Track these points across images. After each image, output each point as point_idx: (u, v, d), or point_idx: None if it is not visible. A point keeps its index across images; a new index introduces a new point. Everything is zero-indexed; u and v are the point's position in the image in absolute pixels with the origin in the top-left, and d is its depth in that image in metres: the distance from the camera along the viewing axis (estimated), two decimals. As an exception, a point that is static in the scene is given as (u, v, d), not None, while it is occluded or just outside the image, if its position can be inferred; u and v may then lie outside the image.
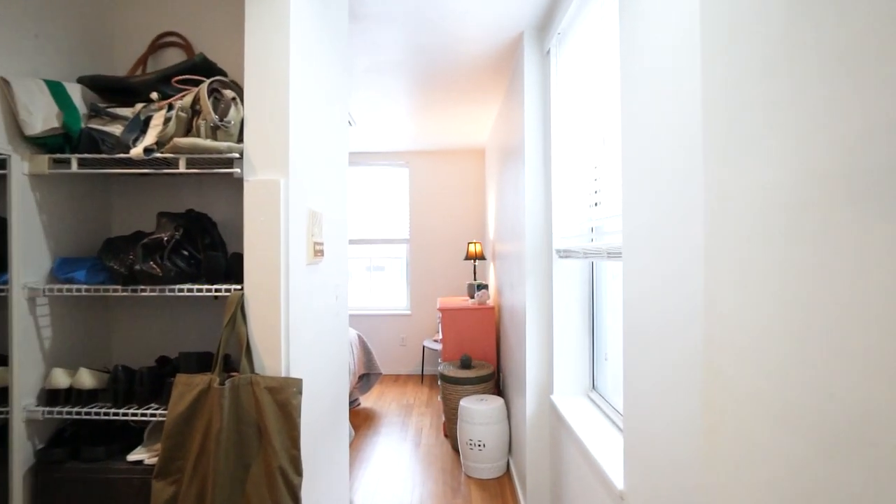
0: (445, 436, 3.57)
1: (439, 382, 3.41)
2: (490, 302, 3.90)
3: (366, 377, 4.41)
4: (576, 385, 2.26)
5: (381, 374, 4.40)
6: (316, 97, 1.53)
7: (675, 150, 0.96)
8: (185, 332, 1.53)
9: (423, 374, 5.18)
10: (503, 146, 3.45)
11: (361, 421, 3.99)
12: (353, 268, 5.61)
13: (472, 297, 4.13)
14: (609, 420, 1.89)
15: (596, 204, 2.20)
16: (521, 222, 2.57)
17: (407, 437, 3.60)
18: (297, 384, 1.23)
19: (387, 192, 5.51)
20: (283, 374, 1.26)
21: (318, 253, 1.48)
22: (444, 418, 3.53)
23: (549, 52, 2.30)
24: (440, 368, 3.45)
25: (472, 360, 3.48)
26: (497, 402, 3.00)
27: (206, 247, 1.40)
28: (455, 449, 3.35)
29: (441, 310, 3.70)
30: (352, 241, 5.46)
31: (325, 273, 1.60)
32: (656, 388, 1.07)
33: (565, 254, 2.12)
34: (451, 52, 2.70)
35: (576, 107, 2.08)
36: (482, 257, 4.37)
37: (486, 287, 3.89)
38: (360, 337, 4.36)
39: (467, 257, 4.37)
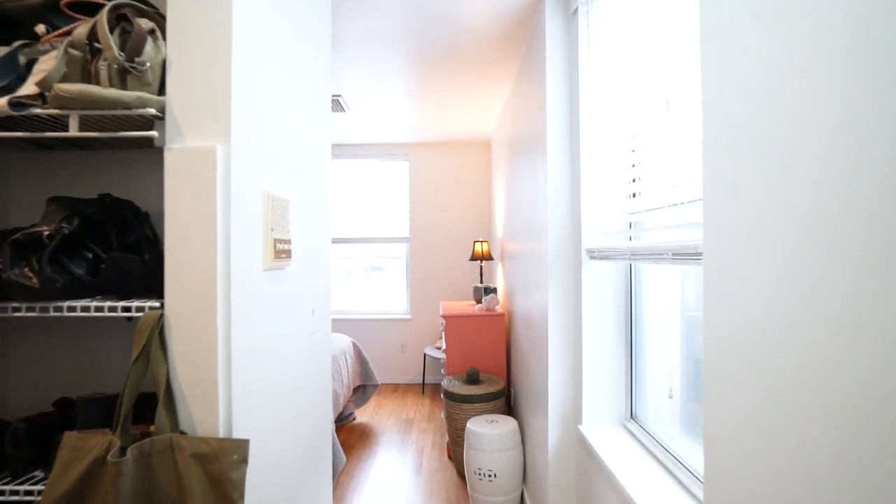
0: (449, 458, 3.17)
1: (443, 398, 3.02)
2: (499, 308, 3.51)
3: (361, 389, 4.02)
4: (610, 413, 1.87)
5: (378, 385, 4.02)
6: (280, 48, 1.14)
7: (814, 116, 0.56)
8: (104, 366, 1.13)
9: (424, 384, 4.79)
10: (514, 135, 3.05)
11: (356, 439, 3.60)
12: (350, 268, 5.22)
13: (479, 301, 3.74)
14: (656, 461, 1.50)
15: (634, 195, 1.81)
16: (541, 218, 2.17)
17: (406, 460, 3.21)
18: (239, 448, 0.84)
19: (386, 187, 5.11)
20: (220, 433, 0.86)
21: (283, 254, 1.08)
22: (447, 438, 3.14)
23: (576, 11, 1.90)
24: (444, 384, 3.06)
25: (479, 373, 3.09)
26: (509, 424, 2.61)
27: (128, 247, 1.00)
28: (461, 475, 2.95)
29: (445, 316, 3.31)
30: (348, 240, 5.07)
31: (293, 281, 1.20)
32: (775, 450, 0.67)
33: (599, 254, 1.73)
34: (453, 19, 2.30)
35: (613, 75, 1.69)
36: (489, 257, 3.98)
37: (494, 291, 3.50)
38: (354, 345, 3.97)
39: (473, 257, 3.98)
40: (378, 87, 3.27)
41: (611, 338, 1.86)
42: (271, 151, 1.06)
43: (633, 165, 1.74)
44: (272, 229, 1.01)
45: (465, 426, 2.82)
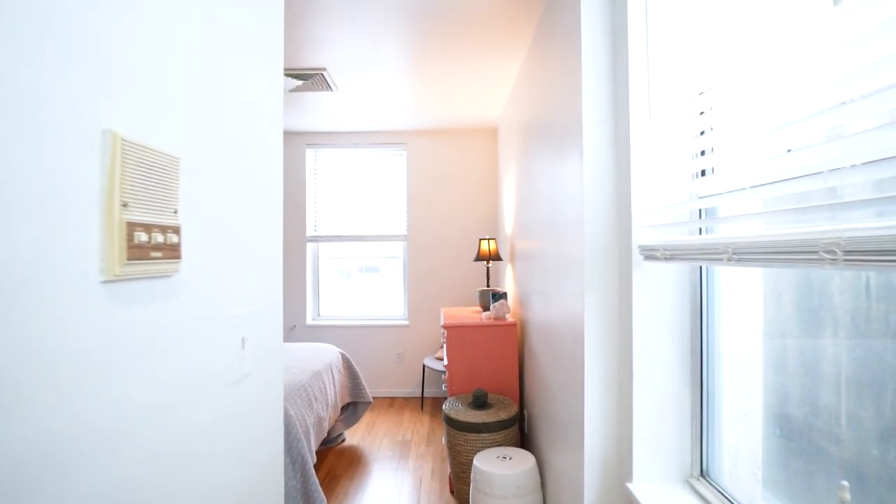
0: (452, 493, 2.70)
1: (444, 425, 2.55)
2: (510, 316, 3.03)
3: (352, 407, 3.54)
4: (671, 466, 1.39)
5: (370, 402, 3.54)
6: None
7: None
8: None
9: (423, 397, 4.32)
10: (529, 118, 2.57)
11: (344, 466, 3.12)
12: (343, 269, 4.74)
13: (486, 308, 3.26)
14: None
15: (704, 172, 1.36)
16: (573, 210, 1.69)
17: (402, 494, 2.73)
18: None
19: (381, 180, 4.63)
20: None
21: (156, 252, 0.60)
22: (449, 470, 2.66)
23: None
24: (445, 408, 2.58)
25: (487, 395, 2.61)
26: (526, 461, 2.13)
27: None
28: (466, 517, 2.48)
29: (446, 327, 2.83)
30: (338, 238, 4.59)
31: (199, 297, 0.72)
32: None
33: (665, 253, 1.24)
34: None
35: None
36: (497, 257, 3.50)
37: (503, 296, 3.02)
38: (343, 357, 3.49)
39: (479, 257, 3.50)
40: (370, 61, 2.79)
41: (673, 364, 1.38)
42: (130, 54, 0.58)
43: (702, 133, 1.28)
44: (124, 205, 0.53)
45: (470, 460, 2.34)
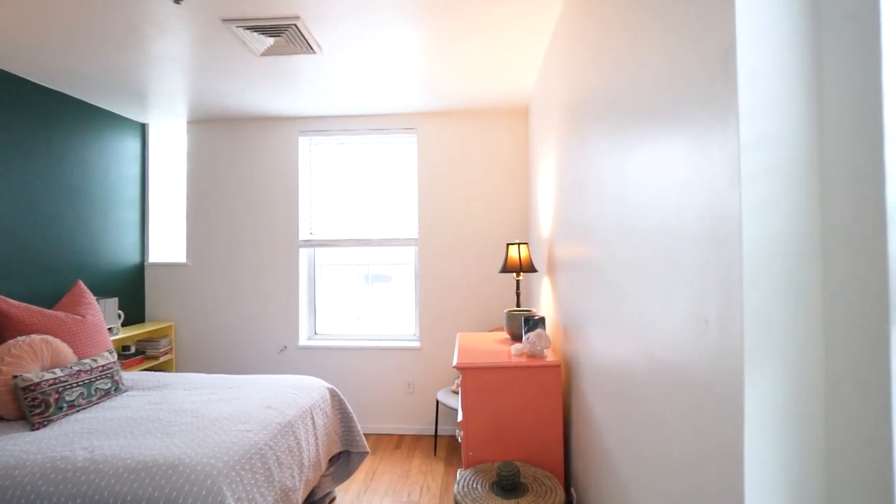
0: None
1: (457, 513, 1.75)
2: (550, 352, 2.20)
3: (344, 457, 2.78)
4: None
5: (366, 452, 2.77)
6: None
7: None
8: None
9: (436, 436, 3.52)
10: (582, 92, 1.75)
11: (327, 547, 2.35)
12: (344, 277, 4.00)
13: (516, 337, 2.44)
14: None
15: None
16: (689, 203, 0.88)
17: None
18: None
19: (387, 172, 3.87)
20: None
21: None
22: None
23: None
24: (458, 491, 1.77)
25: (519, 473, 1.79)
26: None
27: None
28: None
29: (462, 368, 2.03)
30: (334, 243, 3.84)
31: None
32: None
33: None
34: None
35: None
36: (530, 268, 2.68)
37: (541, 323, 2.21)
38: (333, 395, 2.73)
39: (506, 268, 2.69)
40: (359, 2, 2.03)
41: None
42: None
43: None
44: None
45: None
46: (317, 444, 2.40)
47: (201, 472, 1.63)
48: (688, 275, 0.90)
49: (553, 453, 1.99)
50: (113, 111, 3.52)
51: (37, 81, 2.91)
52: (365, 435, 3.71)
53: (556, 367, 2.01)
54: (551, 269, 2.51)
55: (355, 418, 2.93)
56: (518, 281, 2.74)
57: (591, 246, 1.65)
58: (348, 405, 2.81)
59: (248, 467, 1.77)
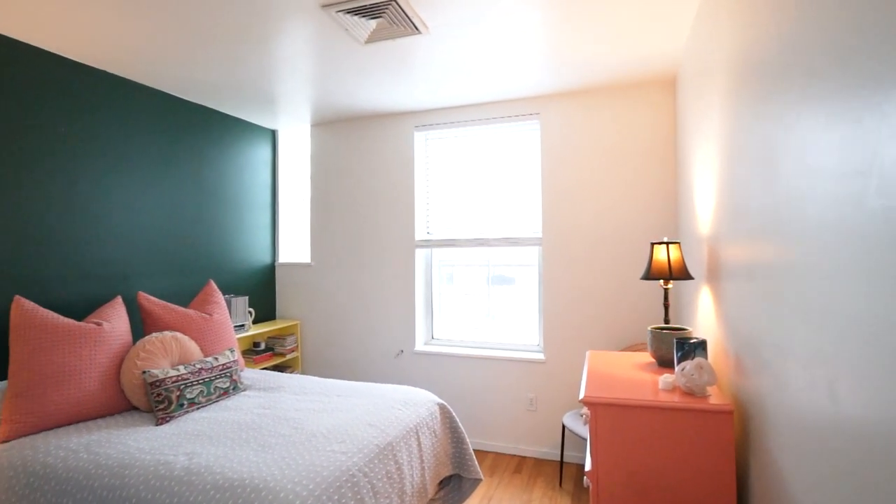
0: None
1: None
2: (715, 391, 1.62)
3: (455, 480, 2.50)
4: None
5: (480, 479, 2.45)
6: None
7: None
8: None
9: (562, 464, 3.06)
10: (761, 44, 1.19)
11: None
12: (462, 278, 3.74)
13: (666, 362, 1.90)
14: None
15: None
16: None
17: None
18: None
19: (507, 165, 3.50)
20: None
21: None
22: None
23: None
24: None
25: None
26: None
27: None
28: None
29: (592, 403, 1.58)
30: (452, 243, 3.59)
31: None
32: None
33: None
34: None
35: None
36: (684, 274, 2.09)
37: (702, 347, 1.65)
38: (443, 411, 2.47)
39: (650, 273, 2.14)
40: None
41: None
42: None
43: None
44: None
45: None
46: (422, 468, 2.14)
47: (284, 499, 1.46)
48: None
49: (722, 532, 1.43)
50: (247, 119, 3.74)
51: (178, 95, 3.16)
52: (482, 452, 3.40)
53: (726, 412, 1.45)
54: (713, 276, 1.91)
55: (468, 440, 2.63)
56: (666, 290, 2.16)
57: (786, 244, 1.10)
58: (460, 424, 2.52)
59: (335, 497, 1.56)
